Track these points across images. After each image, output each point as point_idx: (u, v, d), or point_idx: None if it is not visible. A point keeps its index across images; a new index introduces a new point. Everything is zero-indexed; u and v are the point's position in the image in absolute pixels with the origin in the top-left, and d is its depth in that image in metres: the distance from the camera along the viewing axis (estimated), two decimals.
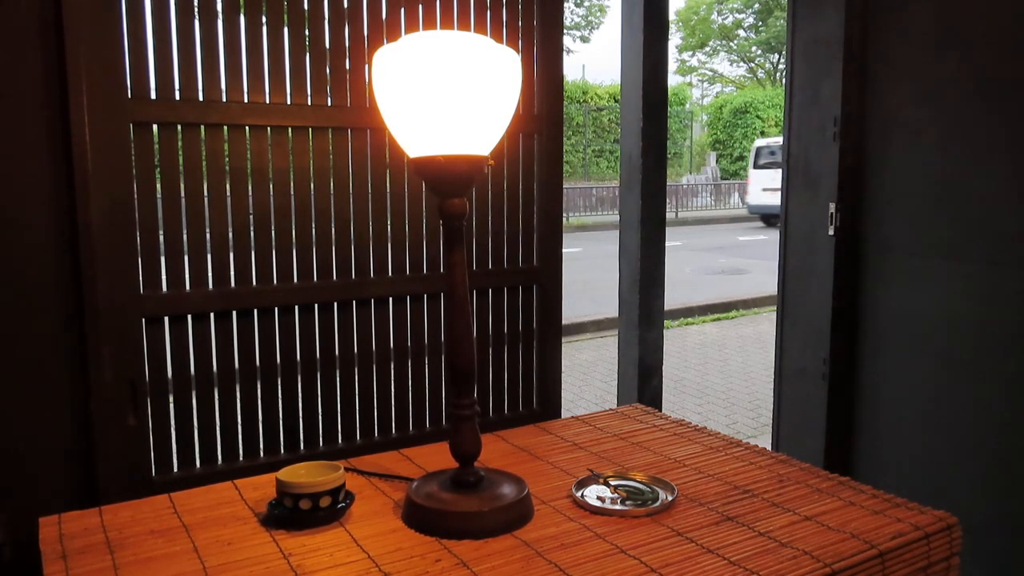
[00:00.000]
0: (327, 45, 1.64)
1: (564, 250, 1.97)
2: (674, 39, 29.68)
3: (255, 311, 1.61)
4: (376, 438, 1.76)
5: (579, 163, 21.70)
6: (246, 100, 1.55)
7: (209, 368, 1.57)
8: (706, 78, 31.31)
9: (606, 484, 1.32)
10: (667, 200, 3.69)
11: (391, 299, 1.75)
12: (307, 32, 1.61)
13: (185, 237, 1.53)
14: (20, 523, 1.38)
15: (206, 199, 1.55)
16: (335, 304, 1.69)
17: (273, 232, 1.61)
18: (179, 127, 1.51)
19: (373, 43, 1.68)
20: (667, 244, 2.41)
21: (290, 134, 1.62)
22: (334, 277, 1.69)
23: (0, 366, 1.38)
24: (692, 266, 10.94)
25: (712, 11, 28.64)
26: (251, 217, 1.59)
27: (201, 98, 1.52)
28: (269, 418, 1.64)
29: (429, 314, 1.81)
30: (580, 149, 21.81)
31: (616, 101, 20.85)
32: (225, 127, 1.55)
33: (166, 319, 1.52)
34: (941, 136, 2.11)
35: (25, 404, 1.41)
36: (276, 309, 1.63)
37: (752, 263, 11.18)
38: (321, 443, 1.70)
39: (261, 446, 1.64)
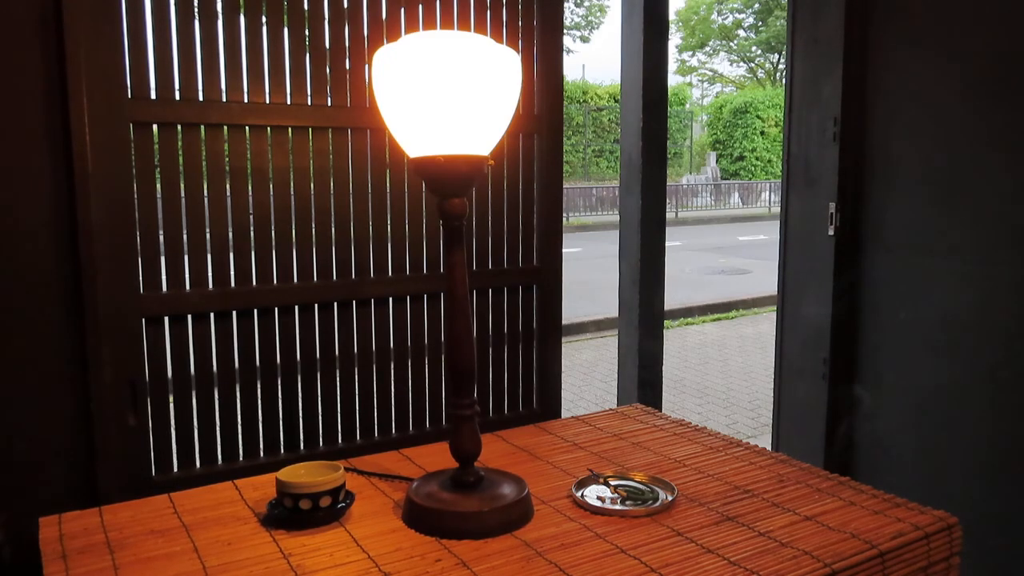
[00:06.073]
0: (327, 45, 1.64)
1: (564, 250, 1.97)
2: (674, 39, 29.70)
3: (255, 311, 1.61)
4: (376, 438, 1.76)
5: (579, 163, 21.69)
6: (246, 100, 1.55)
7: (209, 368, 1.57)
8: (706, 78, 31.31)
9: (606, 484, 1.32)
10: (667, 200, 3.69)
11: (391, 299, 1.75)
12: (307, 32, 1.61)
13: (185, 237, 1.53)
14: (20, 523, 1.38)
15: (206, 199, 1.55)
16: (335, 304, 1.69)
17: (273, 232, 1.61)
18: (179, 127, 1.50)
19: (373, 43, 1.68)
20: (667, 244, 2.41)
21: (290, 134, 1.62)
22: (334, 277, 1.68)
23: (0, 366, 1.38)
24: (692, 266, 10.94)
25: (712, 11, 28.64)
26: (251, 217, 1.59)
27: (201, 98, 1.52)
28: (269, 418, 1.64)
29: (429, 314, 1.81)
30: (580, 149, 21.80)
31: (616, 101, 20.84)
32: (225, 127, 1.55)
33: (166, 319, 1.52)
34: (940, 136, 2.11)
35: (25, 404, 1.40)
36: (276, 309, 1.62)
37: (752, 263, 11.18)
38: (321, 443, 1.70)
39: (261, 446, 1.64)
